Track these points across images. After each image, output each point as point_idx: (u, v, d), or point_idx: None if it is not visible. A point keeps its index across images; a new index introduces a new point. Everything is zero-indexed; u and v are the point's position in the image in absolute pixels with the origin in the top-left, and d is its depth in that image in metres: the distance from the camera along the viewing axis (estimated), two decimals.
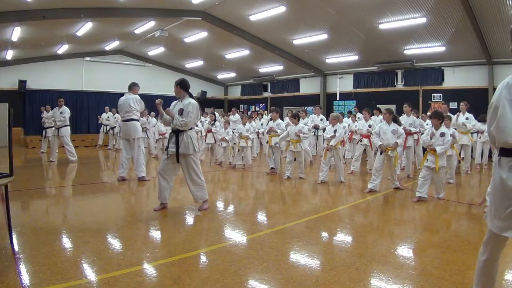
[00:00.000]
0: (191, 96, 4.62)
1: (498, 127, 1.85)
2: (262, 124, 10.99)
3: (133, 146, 6.64)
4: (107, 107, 14.48)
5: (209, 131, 9.49)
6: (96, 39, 13.87)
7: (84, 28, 11.73)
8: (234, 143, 9.26)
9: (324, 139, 7.67)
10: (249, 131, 8.92)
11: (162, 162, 4.64)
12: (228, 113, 14.63)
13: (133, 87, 6.73)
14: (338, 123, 7.10)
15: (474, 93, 11.53)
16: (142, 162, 6.66)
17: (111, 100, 16.47)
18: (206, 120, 10.21)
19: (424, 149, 5.73)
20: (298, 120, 7.40)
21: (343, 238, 3.78)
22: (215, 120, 9.85)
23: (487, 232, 2.00)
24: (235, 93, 20.70)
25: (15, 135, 14.39)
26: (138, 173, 6.65)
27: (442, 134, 5.32)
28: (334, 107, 15.63)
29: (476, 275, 2.08)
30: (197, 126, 9.01)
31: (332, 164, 7.16)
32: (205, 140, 9.53)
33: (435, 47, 11.31)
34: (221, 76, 19.62)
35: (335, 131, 6.85)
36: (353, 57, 13.49)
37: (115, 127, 13.41)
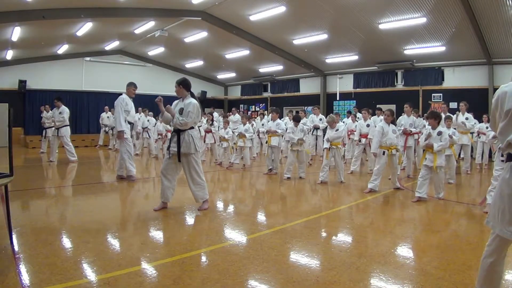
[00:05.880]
0: (192, 95, 4.61)
1: None
2: (263, 124, 11.05)
3: None
4: (106, 107, 14.47)
5: (208, 131, 9.47)
6: (96, 39, 13.87)
7: (84, 28, 11.74)
8: (234, 143, 9.26)
9: (323, 140, 7.67)
10: (248, 131, 8.92)
11: (164, 161, 4.64)
12: (229, 113, 14.62)
13: (126, 87, 6.79)
14: (338, 123, 7.14)
15: (474, 93, 11.55)
16: (122, 162, 6.70)
17: (111, 100, 16.45)
18: (204, 121, 10.17)
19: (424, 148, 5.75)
20: (298, 122, 7.42)
21: (343, 238, 3.78)
22: (213, 120, 9.82)
23: (494, 236, 2.01)
24: (235, 93, 20.70)
25: (15, 135, 14.38)
26: (117, 171, 6.86)
27: (440, 133, 5.34)
28: (334, 107, 15.64)
29: (481, 275, 2.08)
30: (200, 126, 9.03)
31: (332, 165, 7.17)
32: (204, 140, 9.51)
33: (435, 47, 11.31)
34: (221, 76, 19.63)
35: (336, 130, 6.87)
36: (353, 57, 13.49)
37: (114, 127, 13.40)
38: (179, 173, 4.69)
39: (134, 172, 6.78)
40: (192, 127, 4.52)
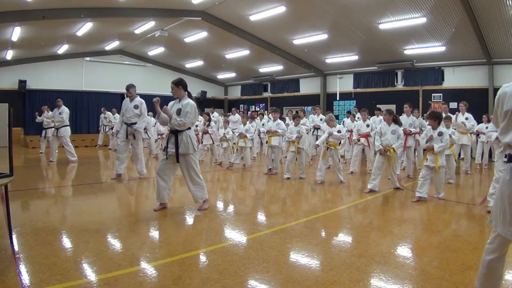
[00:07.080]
0: (189, 96, 4.59)
1: None
2: (263, 124, 11.04)
3: None
4: (103, 108, 14.43)
5: (205, 132, 9.36)
6: (96, 39, 13.86)
7: (84, 28, 11.73)
8: (234, 143, 9.24)
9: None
10: (249, 131, 8.90)
11: (160, 162, 4.62)
12: (228, 113, 14.62)
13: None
14: (337, 123, 7.15)
15: (474, 93, 11.54)
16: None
17: (111, 100, 16.49)
18: (201, 122, 9.98)
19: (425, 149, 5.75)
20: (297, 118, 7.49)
21: (343, 238, 3.78)
22: (209, 120, 9.63)
23: (495, 235, 2.02)
24: (235, 93, 20.70)
25: (15, 135, 14.38)
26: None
27: (440, 134, 5.34)
28: (334, 107, 15.64)
29: (481, 274, 2.09)
30: (197, 126, 8.98)
31: (330, 164, 7.17)
32: (202, 141, 9.40)
33: (435, 47, 11.31)
34: (221, 76, 19.62)
35: (338, 131, 6.87)
36: (353, 57, 13.49)
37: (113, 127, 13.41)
38: (175, 173, 4.69)
39: (118, 171, 6.89)
40: (189, 128, 4.52)
